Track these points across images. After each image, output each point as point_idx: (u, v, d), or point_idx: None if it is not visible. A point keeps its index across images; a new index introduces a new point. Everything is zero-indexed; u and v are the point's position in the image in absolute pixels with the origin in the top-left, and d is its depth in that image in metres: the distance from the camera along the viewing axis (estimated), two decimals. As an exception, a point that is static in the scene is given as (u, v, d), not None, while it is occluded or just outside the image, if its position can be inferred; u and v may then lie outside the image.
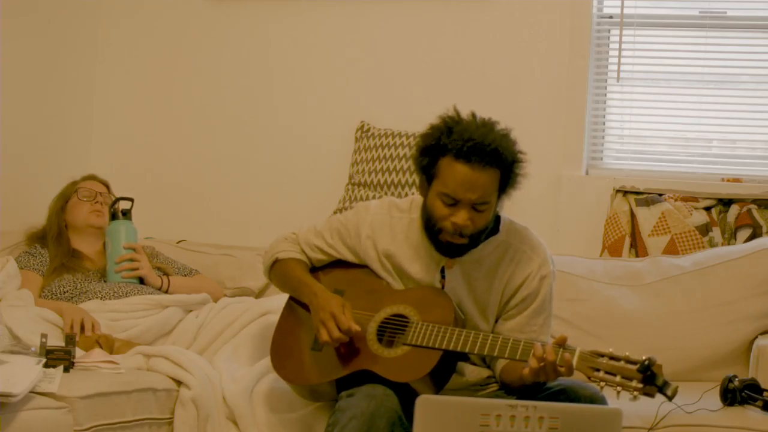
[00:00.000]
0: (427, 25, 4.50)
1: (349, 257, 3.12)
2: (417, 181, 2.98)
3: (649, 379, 2.58)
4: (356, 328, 2.90)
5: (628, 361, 2.61)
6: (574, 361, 2.66)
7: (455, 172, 2.80)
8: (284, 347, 3.10)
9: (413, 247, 3.01)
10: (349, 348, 2.96)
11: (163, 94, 4.78)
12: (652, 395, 2.60)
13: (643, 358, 2.59)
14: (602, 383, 2.63)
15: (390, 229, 3.05)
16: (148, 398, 3.13)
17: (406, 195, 4.10)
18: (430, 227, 2.90)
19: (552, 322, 3.05)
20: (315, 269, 3.18)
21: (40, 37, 4.51)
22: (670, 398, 2.62)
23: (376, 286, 3.05)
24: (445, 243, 2.89)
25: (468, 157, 2.78)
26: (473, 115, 2.88)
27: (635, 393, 2.58)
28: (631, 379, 2.59)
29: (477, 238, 2.90)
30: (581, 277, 3.80)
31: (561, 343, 2.71)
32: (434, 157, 2.85)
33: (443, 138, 2.82)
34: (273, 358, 3.11)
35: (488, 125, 2.85)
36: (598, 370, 2.64)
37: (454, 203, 2.83)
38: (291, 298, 3.18)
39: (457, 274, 2.97)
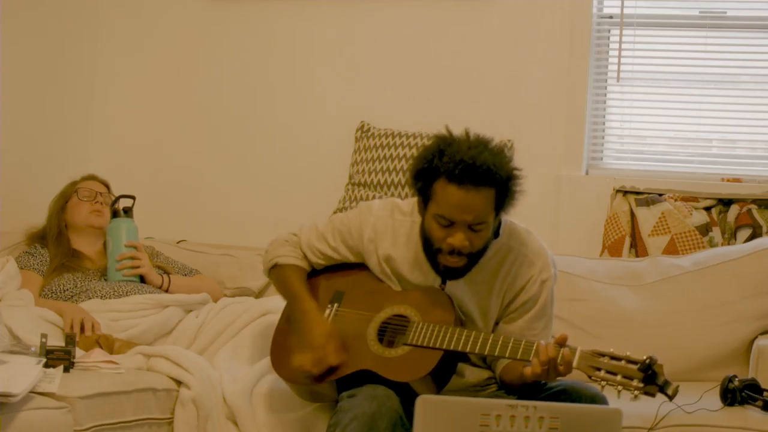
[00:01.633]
0: (427, 25, 4.50)
1: (351, 258, 3.11)
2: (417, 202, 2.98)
3: (650, 378, 2.58)
4: (334, 377, 2.91)
5: (629, 361, 2.61)
6: (575, 361, 2.67)
7: (448, 195, 2.79)
8: (284, 347, 3.09)
9: (414, 252, 3.00)
10: (349, 348, 2.95)
11: (163, 94, 4.78)
12: (653, 395, 2.60)
13: (644, 357, 2.59)
14: (603, 383, 2.63)
15: (392, 232, 3.05)
16: (148, 398, 3.13)
17: (407, 195, 4.10)
18: (429, 248, 2.90)
19: (553, 325, 3.04)
20: (316, 270, 3.18)
21: (41, 37, 4.51)
22: (670, 398, 2.62)
23: (376, 287, 3.05)
24: (444, 266, 2.89)
25: (460, 179, 2.77)
26: (466, 133, 2.86)
27: (636, 392, 2.59)
28: (632, 379, 2.60)
29: (476, 257, 2.89)
30: (581, 277, 3.80)
31: (561, 343, 2.71)
32: (428, 180, 2.84)
33: (435, 161, 2.81)
34: (273, 358, 3.12)
35: (480, 144, 2.82)
36: (599, 369, 2.64)
37: (449, 224, 2.82)
38: (291, 299, 3.19)
39: (459, 281, 2.97)
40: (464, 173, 2.76)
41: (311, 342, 2.93)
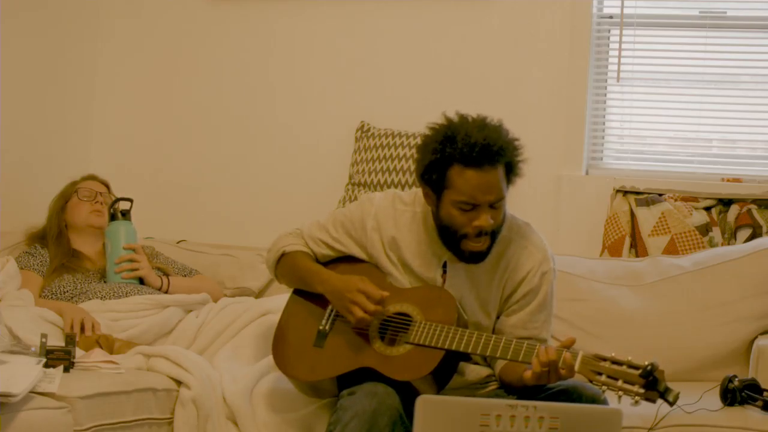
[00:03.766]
0: (427, 25, 4.50)
1: (355, 250, 3.11)
2: (422, 192, 2.98)
3: (651, 384, 2.58)
4: (386, 293, 2.92)
5: (631, 366, 2.61)
6: (577, 365, 2.66)
7: (468, 179, 2.81)
8: (286, 343, 3.10)
9: (416, 241, 3.01)
10: (350, 345, 2.96)
11: (163, 94, 4.78)
12: (653, 400, 2.60)
13: (646, 363, 2.58)
14: (604, 387, 2.62)
15: (394, 221, 3.05)
16: (148, 398, 3.13)
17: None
18: (451, 236, 2.90)
19: (553, 320, 3.05)
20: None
21: (41, 37, 4.51)
22: (671, 404, 2.62)
23: (379, 285, 3.04)
24: (469, 251, 2.89)
25: (479, 162, 2.79)
26: (463, 116, 2.88)
27: (637, 398, 2.58)
28: (633, 384, 2.59)
29: (495, 236, 2.92)
30: (581, 277, 3.80)
31: (568, 346, 2.70)
32: (442, 170, 2.85)
33: (447, 149, 2.82)
34: (275, 354, 3.11)
35: (483, 124, 2.85)
36: (600, 373, 2.63)
37: (472, 208, 2.83)
38: (294, 294, 3.18)
39: (459, 269, 2.98)
40: (481, 156, 2.79)
41: (356, 285, 2.93)
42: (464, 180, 2.82)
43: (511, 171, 2.87)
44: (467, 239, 2.88)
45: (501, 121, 2.89)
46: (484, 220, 2.84)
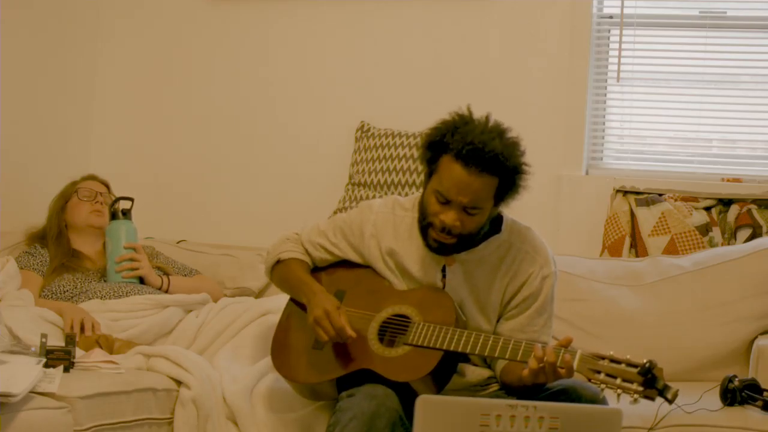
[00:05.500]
0: (427, 25, 4.50)
1: (353, 256, 3.12)
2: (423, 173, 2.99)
3: (650, 382, 2.58)
4: (349, 330, 2.90)
5: (629, 364, 2.61)
6: (575, 363, 2.66)
7: (451, 172, 2.81)
8: (285, 346, 3.10)
9: (415, 245, 3.01)
10: (349, 347, 2.96)
11: (163, 95, 4.78)
12: (652, 398, 2.60)
13: (644, 361, 2.58)
14: (603, 386, 2.63)
15: (393, 227, 3.06)
16: (148, 398, 3.13)
17: (407, 195, 4.10)
18: (422, 220, 2.91)
19: (553, 322, 3.04)
20: (318, 269, 3.19)
21: (41, 37, 4.51)
22: (670, 401, 2.62)
23: (377, 287, 3.05)
24: (432, 239, 2.89)
25: (466, 160, 2.78)
26: (486, 117, 2.87)
27: (635, 396, 2.58)
28: (631, 382, 2.59)
29: (467, 239, 2.90)
30: (581, 277, 3.80)
31: (565, 345, 2.70)
32: (436, 153, 2.86)
33: (447, 136, 2.83)
34: (273, 357, 3.12)
35: (496, 131, 2.83)
36: (598, 372, 2.63)
37: (446, 202, 2.83)
38: (292, 298, 3.19)
39: (458, 273, 2.98)
40: (471, 155, 2.77)
41: (328, 311, 2.92)
42: (448, 171, 2.81)
43: (506, 189, 2.84)
44: (432, 229, 2.88)
45: (519, 139, 2.86)
46: (449, 218, 2.82)
